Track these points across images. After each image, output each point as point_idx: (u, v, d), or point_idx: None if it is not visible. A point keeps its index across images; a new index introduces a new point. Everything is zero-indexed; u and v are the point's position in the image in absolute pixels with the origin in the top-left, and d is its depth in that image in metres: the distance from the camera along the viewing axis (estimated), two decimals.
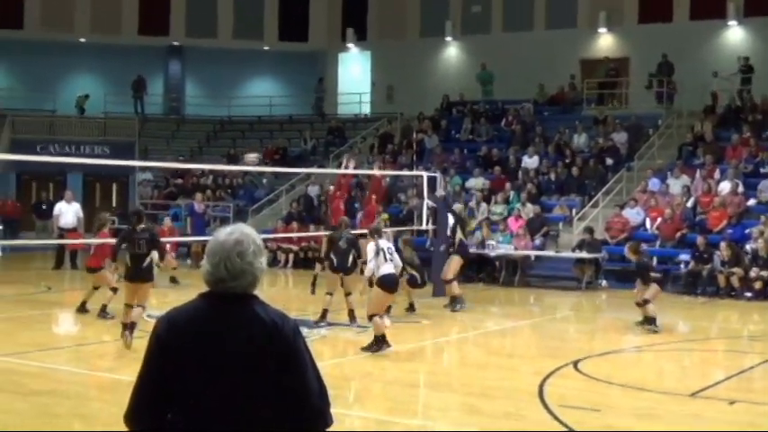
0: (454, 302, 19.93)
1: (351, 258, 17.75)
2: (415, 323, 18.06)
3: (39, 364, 13.12)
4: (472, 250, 25.75)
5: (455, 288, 20.10)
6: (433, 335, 17.17)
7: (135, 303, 14.63)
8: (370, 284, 14.95)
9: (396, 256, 14.82)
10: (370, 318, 14.35)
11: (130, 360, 12.37)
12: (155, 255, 14.87)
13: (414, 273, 18.85)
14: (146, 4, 43.72)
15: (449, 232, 21.48)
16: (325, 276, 18.26)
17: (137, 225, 15.16)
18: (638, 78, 35.85)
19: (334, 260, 17.67)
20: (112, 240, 17.33)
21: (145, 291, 14.91)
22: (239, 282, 4.06)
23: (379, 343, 14.20)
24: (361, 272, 17.99)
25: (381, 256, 14.42)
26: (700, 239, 24.27)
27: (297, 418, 4.03)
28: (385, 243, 14.77)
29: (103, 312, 17.62)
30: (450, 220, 21.68)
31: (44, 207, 32.98)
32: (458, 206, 21.67)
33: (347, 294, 17.74)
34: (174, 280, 23.71)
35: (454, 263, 20.51)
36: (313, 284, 18.50)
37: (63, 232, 26.83)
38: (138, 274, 14.74)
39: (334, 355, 14.57)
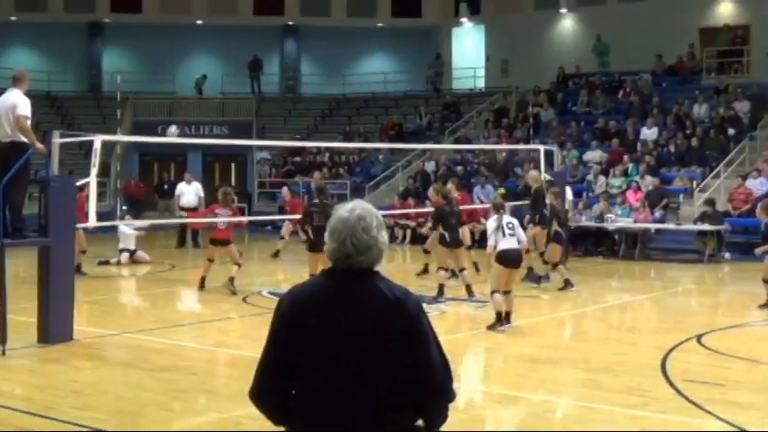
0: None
1: (460, 232, 17.84)
2: (534, 297, 17.96)
3: (164, 341, 13.41)
4: (591, 224, 25.63)
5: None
6: (552, 309, 17.06)
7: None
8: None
9: (519, 230, 14.53)
10: (492, 294, 14.29)
11: (253, 337, 12.56)
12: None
13: (558, 229, 18.62)
14: None
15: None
16: (437, 251, 18.29)
17: (323, 199, 16.97)
18: (759, 46, 34.93)
19: (446, 235, 17.64)
20: (240, 219, 18.29)
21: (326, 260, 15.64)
22: (366, 256, 4.09)
23: (499, 320, 14.11)
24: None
25: (501, 232, 14.25)
26: None
27: (420, 393, 4.06)
28: (507, 218, 14.54)
29: (231, 284, 17.96)
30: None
31: (166, 187, 33.65)
32: (534, 174, 21.24)
33: (461, 270, 17.71)
34: (276, 255, 24.22)
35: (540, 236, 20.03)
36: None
37: (185, 212, 27.32)
38: (321, 245, 15.50)
39: (453, 331, 14.59)
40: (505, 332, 13.96)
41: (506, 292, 14.27)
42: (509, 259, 14.20)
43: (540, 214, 19.86)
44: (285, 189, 26.36)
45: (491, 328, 14.03)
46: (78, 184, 14.17)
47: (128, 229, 23.59)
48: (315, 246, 16.20)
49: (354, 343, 3.99)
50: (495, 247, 14.22)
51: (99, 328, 14.51)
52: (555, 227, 18.58)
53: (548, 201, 19.44)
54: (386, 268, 13.76)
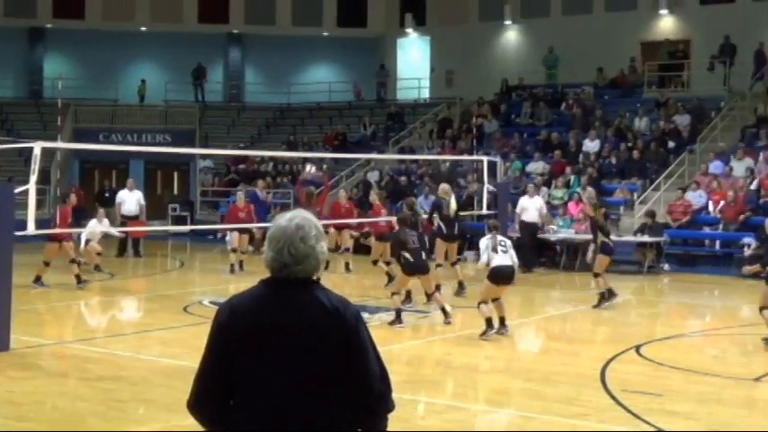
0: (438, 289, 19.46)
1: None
2: (475, 308, 17.99)
3: (103, 350, 13.28)
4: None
5: (439, 274, 19.31)
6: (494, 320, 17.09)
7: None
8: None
9: (512, 249, 14.58)
10: (479, 305, 14.39)
11: (193, 347, 12.47)
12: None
13: (605, 240, 18.30)
14: None
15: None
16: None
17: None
18: (699, 60, 35.44)
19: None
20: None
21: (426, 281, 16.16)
22: (303, 266, 4.08)
23: (490, 326, 14.24)
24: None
25: (494, 249, 14.32)
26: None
27: (359, 402, 4.06)
28: (500, 237, 14.57)
29: None
30: None
31: (107, 195, 33.35)
32: (444, 186, 21.38)
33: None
34: (233, 269, 23.57)
35: (438, 246, 19.91)
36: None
37: (125, 220, 27.08)
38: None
39: (395, 341, 14.57)
40: (448, 339, 13.99)
41: (495, 300, 14.53)
42: (501, 276, 14.32)
43: (438, 227, 19.89)
44: (240, 194, 25.60)
45: (483, 335, 14.12)
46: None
47: (98, 227, 23.34)
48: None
49: (292, 353, 3.98)
50: (488, 265, 14.33)
51: (37, 337, 14.34)
52: (602, 238, 18.39)
53: (591, 213, 19.61)
54: (328, 278, 13.75)
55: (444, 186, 21.02)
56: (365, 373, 4.06)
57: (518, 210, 25.29)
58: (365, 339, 4.09)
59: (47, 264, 20.08)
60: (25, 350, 13.17)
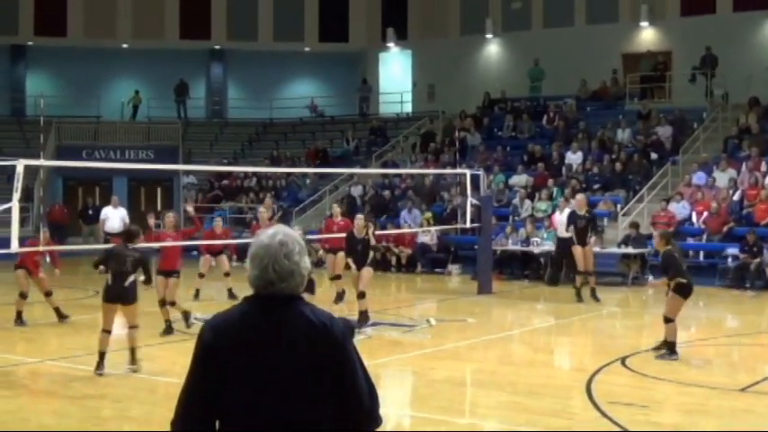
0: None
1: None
2: (461, 321, 18.02)
3: (88, 368, 13.20)
4: (517, 247, 25.81)
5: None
6: (479, 333, 17.10)
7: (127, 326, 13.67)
8: None
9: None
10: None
11: (179, 363, 12.43)
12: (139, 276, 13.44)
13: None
14: (187, 8, 44.00)
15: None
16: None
17: (128, 243, 13.48)
18: (681, 72, 35.59)
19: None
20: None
21: (130, 312, 13.54)
22: (288, 283, 4.04)
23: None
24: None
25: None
26: (750, 234, 23.96)
27: (347, 418, 4.03)
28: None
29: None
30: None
31: (90, 212, 33.26)
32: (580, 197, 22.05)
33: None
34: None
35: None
36: None
37: (109, 237, 26.99)
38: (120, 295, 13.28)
39: (381, 355, 14.55)
40: (433, 353, 13.97)
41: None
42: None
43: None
44: (219, 221, 24.60)
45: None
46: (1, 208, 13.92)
47: None
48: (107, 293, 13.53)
49: (279, 370, 3.94)
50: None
51: (20, 355, 14.28)
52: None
53: None
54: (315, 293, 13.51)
55: (580, 197, 22.65)
56: (354, 389, 4.03)
57: (555, 223, 25.42)
58: (352, 355, 4.06)
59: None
60: (9, 368, 13.12)
